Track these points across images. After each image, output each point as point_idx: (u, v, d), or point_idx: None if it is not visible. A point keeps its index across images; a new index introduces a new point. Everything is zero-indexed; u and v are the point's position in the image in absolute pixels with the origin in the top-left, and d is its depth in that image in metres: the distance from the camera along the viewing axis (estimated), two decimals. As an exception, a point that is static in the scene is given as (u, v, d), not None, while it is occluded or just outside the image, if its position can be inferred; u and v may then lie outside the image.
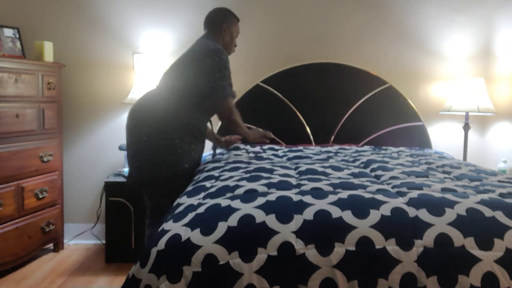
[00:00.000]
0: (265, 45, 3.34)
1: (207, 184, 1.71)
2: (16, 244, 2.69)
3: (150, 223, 2.21)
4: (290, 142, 3.17)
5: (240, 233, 1.24)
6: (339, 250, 1.21)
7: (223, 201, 1.41)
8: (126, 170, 2.98)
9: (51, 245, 3.12)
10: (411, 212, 1.31)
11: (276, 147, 2.86)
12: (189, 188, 1.74)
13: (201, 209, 1.37)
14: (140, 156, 2.13)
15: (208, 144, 2.59)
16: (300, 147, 2.86)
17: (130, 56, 3.30)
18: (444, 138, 3.42)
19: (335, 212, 1.30)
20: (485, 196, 1.45)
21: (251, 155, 2.48)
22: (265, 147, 2.81)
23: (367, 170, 2.03)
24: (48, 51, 3.02)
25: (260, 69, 3.31)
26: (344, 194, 1.44)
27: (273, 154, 2.53)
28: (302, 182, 1.67)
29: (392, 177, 1.81)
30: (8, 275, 2.69)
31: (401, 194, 1.46)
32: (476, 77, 3.19)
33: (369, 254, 1.20)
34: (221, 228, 1.25)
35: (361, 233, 1.23)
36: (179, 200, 1.56)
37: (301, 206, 1.34)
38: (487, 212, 1.32)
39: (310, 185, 1.59)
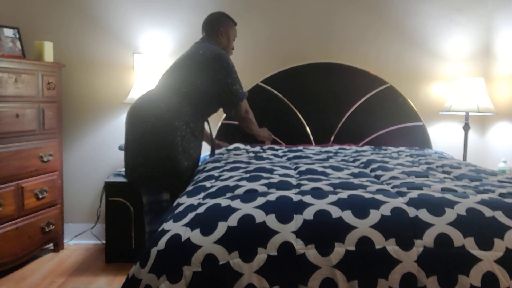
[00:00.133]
0: (265, 45, 3.34)
1: (207, 184, 1.71)
2: (16, 244, 2.69)
3: (151, 219, 2.24)
4: (290, 142, 3.17)
5: (240, 233, 1.24)
6: (339, 250, 1.21)
7: (223, 201, 1.41)
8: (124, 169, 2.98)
9: (51, 245, 3.12)
10: (411, 212, 1.31)
11: (276, 147, 2.86)
12: (189, 188, 1.74)
13: (201, 209, 1.37)
14: (143, 151, 2.16)
15: (206, 145, 2.60)
16: (300, 147, 2.86)
17: (130, 56, 3.30)
18: (444, 138, 3.42)
19: (335, 212, 1.30)
20: (485, 196, 1.45)
21: (251, 155, 2.48)
22: (265, 147, 2.81)
23: (367, 170, 2.03)
24: (48, 51, 3.02)
25: (260, 69, 3.31)
26: (344, 194, 1.44)
27: (273, 154, 2.53)
28: (302, 182, 1.67)
29: (392, 177, 1.81)
30: (8, 275, 2.69)
31: (401, 194, 1.46)
32: (476, 77, 3.19)
33: (369, 254, 1.20)
34: (221, 228, 1.25)
35: (361, 233, 1.23)
36: (179, 200, 1.56)
37: (301, 206, 1.34)
38: (487, 212, 1.32)
39: (310, 185, 1.59)
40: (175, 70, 2.31)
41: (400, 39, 3.36)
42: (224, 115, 3.16)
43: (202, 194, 1.56)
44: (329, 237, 1.23)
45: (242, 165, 2.04)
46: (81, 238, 3.33)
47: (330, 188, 1.55)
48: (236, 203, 1.37)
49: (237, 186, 1.58)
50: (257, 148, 2.76)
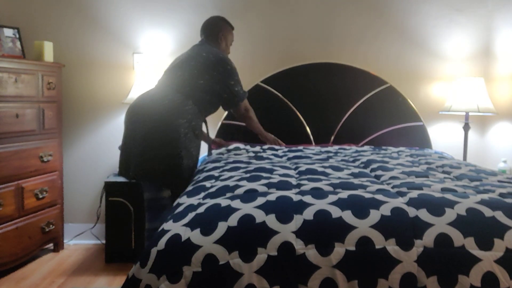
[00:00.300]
0: (265, 45, 3.34)
1: (207, 184, 1.71)
2: (16, 244, 2.69)
3: (151, 217, 2.25)
4: (290, 142, 3.17)
5: (240, 233, 1.24)
6: (339, 250, 1.21)
7: (223, 201, 1.41)
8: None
9: (51, 245, 3.12)
10: (411, 212, 1.31)
11: (276, 147, 2.86)
12: (189, 188, 1.74)
13: (201, 209, 1.37)
14: (146, 148, 2.18)
15: (204, 145, 2.61)
16: (300, 147, 2.86)
17: (130, 56, 3.30)
18: (444, 138, 3.42)
19: (335, 212, 1.30)
20: (485, 196, 1.45)
21: (251, 155, 2.48)
22: (265, 146, 2.81)
23: (367, 170, 2.03)
24: (48, 51, 3.01)
25: (260, 69, 3.31)
26: (344, 194, 1.44)
27: (273, 154, 2.53)
28: (302, 182, 1.67)
29: (392, 177, 1.81)
30: (8, 275, 2.69)
31: (401, 194, 1.46)
32: (476, 77, 3.19)
33: (369, 254, 1.20)
34: (221, 228, 1.25)
35: (361, 233, 1.23)
36: (179, 200, 1.56)
37: (301, 206, 1.34)
38: (487, 212, 1.32)
39: (310, 185, 1.59)
40: (178, 71, 2.35)
41: (400, 39, 3.36)
42: (224, 115, 3.16)
43: (202, 194, 1.56)
44: (329, 237, 1.23)
45: (242, 165, 2.04)
46: (81, 238, 3.33)
47: (330, 188, 1.55)
48: (236, 203, 1.37)
49: (237, 186, 1.58)
50: (257, 148, 2.76)
